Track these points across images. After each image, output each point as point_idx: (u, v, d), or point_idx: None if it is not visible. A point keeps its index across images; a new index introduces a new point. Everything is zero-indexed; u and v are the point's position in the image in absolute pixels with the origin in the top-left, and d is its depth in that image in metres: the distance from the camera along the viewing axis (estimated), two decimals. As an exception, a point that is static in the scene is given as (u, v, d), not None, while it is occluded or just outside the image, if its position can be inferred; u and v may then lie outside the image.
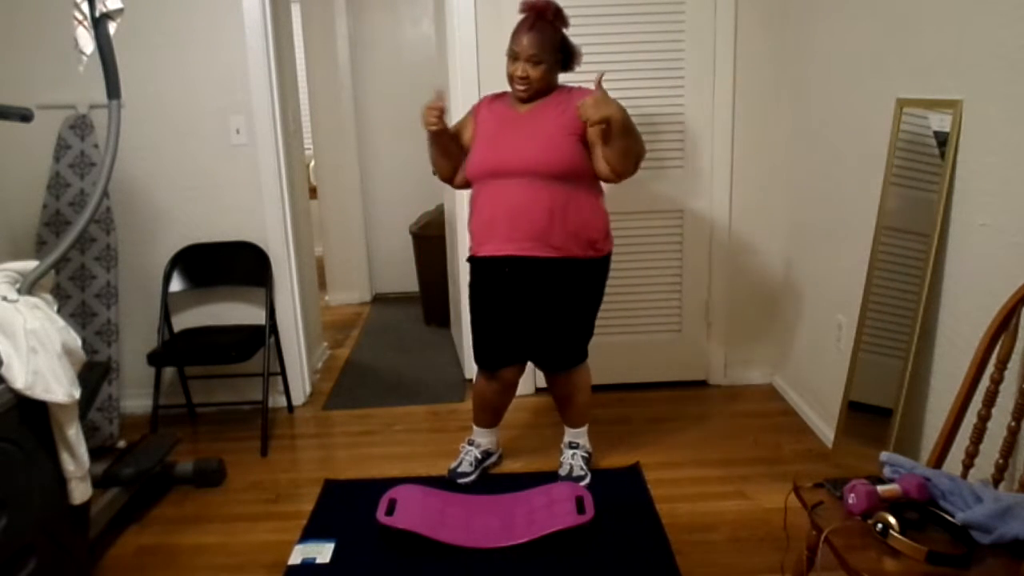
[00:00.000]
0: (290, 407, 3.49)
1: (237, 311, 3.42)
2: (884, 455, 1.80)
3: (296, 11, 4.72)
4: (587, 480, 2.70)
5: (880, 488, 1.65)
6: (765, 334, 3.52)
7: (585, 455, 2.77)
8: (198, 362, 3.25)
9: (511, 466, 2.87)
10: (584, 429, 2.79)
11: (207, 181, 3.29)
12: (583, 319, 2.62)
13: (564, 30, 2.50)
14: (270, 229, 3.34)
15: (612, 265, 3.36)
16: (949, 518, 1.59)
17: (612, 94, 3.17)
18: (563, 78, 2.61)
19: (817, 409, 3.08)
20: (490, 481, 2.74)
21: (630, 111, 3.05)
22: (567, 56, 2.51)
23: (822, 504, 1.71)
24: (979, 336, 1.81)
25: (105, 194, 2.41)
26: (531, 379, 3.50)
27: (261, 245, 3.33)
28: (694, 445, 2.99)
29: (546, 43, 2.42)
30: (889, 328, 2.37)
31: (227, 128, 3.25)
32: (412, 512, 2.41)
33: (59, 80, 3.14)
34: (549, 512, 2.42)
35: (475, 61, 3.22)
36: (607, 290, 3.39)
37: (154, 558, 2.40)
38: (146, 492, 2.71)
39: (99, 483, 2.42)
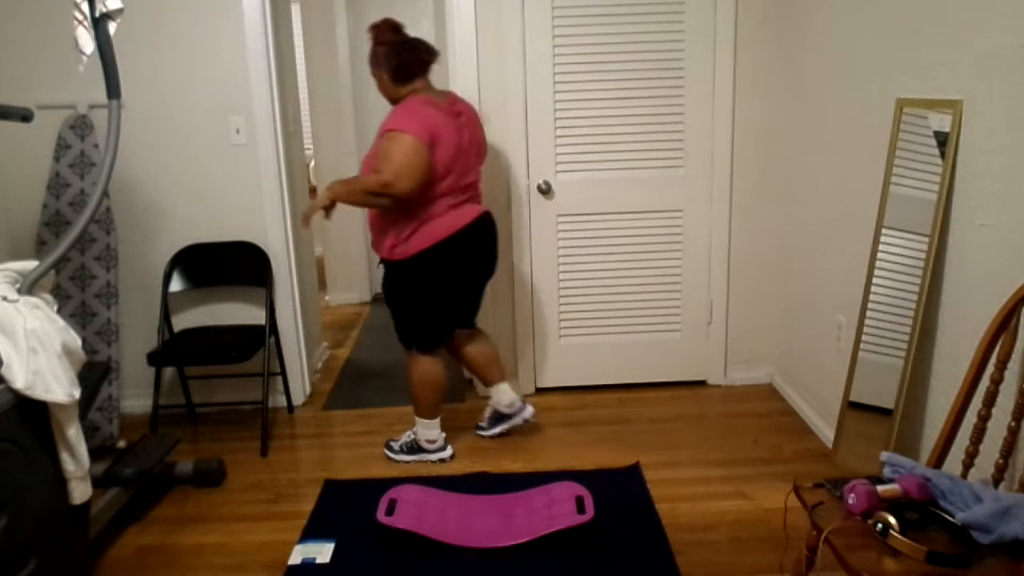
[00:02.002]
0: (290, 407, 3.49)
1: (237, 311, 3.43)
2: (884, 455, 1.80)
3: (296, 11, 4.72)
4: (397, 459, 2.92)
5: (880, 488, 1.65)
6: (765, 334, 3.52)
7: (410, 440, 2.94)
8: (198, 362, 3.24)
9: (511, 466, 2.87)
10: (426, 422, 2.90)
11: (207, 181, 3.29)
12: (401, 311, 2.84)
13: (385, 46, 2.69)
14: (270, 229, 3.34)
15: (612, 264, 3.39)
16: (949, 518, 1.59)
17: (612, 94, 3.26)
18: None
19: (817, 409, 3.08)
20: (490, 481, 2.74)
21: (630, 111, 3.32)
22: (389, 69, 2.69)
23: (822, 504, 1.71)
24: (979, 336, 1.81)
25: (105, 194, 2.41)
26: (531, 379, 3.51)
27: (261, 245, 3.33)
28: (694, 445, 2.99)
29: (370, 58, 2.73)
30: (889, 328, 2.36)
31: (227, 128, 3.25)
32: (412, 512, 2.41)
33: (59, 80, 3.14)
34: (549, 512, 2.42)
35: (475, 61, 3.21)
36: (606, 288, 3.42)
37: (154, 558, 2.41)
38: (146, 492, 2.72)
39: (99, 483, 2.42)
